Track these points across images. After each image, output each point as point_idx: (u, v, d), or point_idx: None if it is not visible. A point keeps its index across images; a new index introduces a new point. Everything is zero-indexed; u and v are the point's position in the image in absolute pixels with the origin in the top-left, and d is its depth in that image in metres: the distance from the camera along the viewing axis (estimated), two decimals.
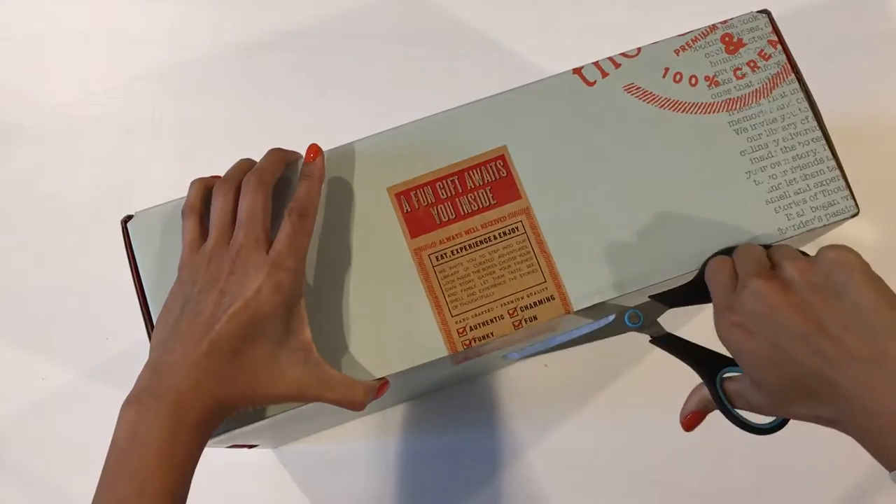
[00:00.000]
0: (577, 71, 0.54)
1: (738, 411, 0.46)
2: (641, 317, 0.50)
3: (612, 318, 0.50)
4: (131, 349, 0.78)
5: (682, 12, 0.82)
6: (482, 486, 0.75)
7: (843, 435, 0.42)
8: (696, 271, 0.49)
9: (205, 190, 0.51)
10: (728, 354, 0.46)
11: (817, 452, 0.71)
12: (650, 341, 0.50)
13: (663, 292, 0.50)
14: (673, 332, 0.49)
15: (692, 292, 0.49)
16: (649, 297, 0.49)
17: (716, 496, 0.74)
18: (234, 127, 0.83)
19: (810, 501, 0.73)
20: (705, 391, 0.48)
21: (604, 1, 0.86)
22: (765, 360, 0.42)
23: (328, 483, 0.76)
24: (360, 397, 0.48)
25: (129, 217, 0.53)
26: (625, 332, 0.50)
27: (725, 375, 0.47)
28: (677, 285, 0.50)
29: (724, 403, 0.46)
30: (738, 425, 0.47)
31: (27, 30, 0.86)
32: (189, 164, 0.78)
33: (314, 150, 0.51)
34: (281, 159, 0.51)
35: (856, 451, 0.42)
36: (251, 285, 0.45)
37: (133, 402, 0.44)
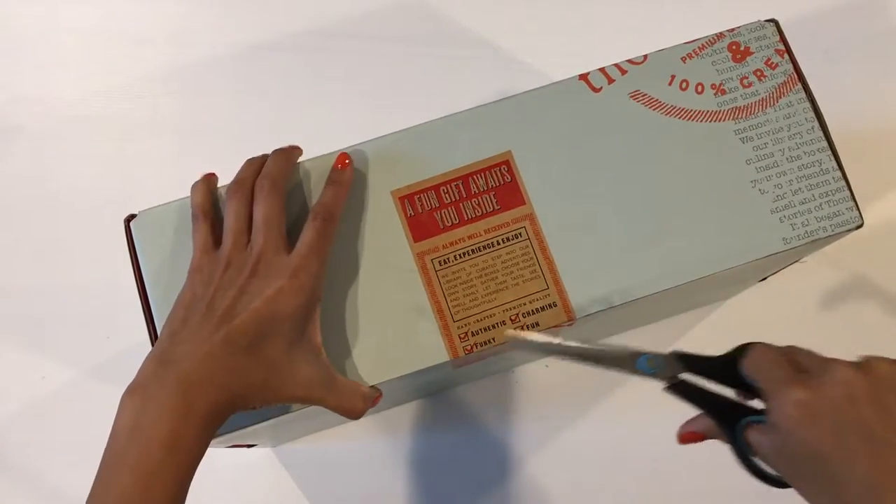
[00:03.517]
0: (584, 77, 0.54)
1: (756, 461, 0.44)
2: (658, 367, 0.47)
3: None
4: (131, 349, 0.77)
5: (689, 18, 0.83)
6: (482, 486, 0.75)
7: None
8: (729, 351, 0.46)
9: (210, 192, 0.51)
10: (744, 403, 0.45)
11: None
12: (664, 390, 0.47)
13: (692, 356, 0.47)
14: (688, 380, 0.47)
15: (720, 371, 0.46)
16: (673, 352, 0.47)
17: (717, 496, 0.74)
18: (235, 127, 0.83)
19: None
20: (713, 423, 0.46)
21: (610, 4, 0.86)
22: (816, 450, 0.40)
23: (328, 483, 0.75)
24: (360, 405, 0.48)
25: (133, 216, 0.53)
26: (632, 373, 0.48)
27: (749, 422, 0.44)
28: (710, 355, 0.47)
29: (744, 451, 0.44)
30: (755, 474, 0.45)
31: (27, 30, 0.86)
32: (190, 164, 0.78)
33: (345, 158, 0.52)
34: (289, 159, 0.51)
35: None
36: (274, 285, 0.45)
37: (136, 391, 0.42)
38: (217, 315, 0.45)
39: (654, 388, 0.49)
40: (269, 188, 0.48)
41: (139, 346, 0.75)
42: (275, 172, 0.49)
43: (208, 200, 0.50)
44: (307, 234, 0.47)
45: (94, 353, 0.79)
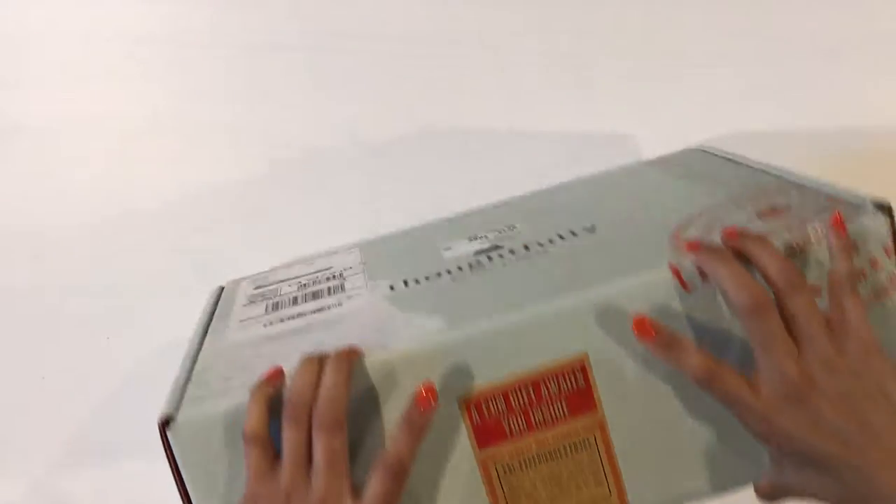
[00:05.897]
0: (675, 270, 0.48)
1: None
2: None
3: None
4: (131, 349, 0.78)
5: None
6: None
7: None
8: None
9: (266, 409, 0.46)
10: None
11: None
12: None
13: None
14: None
15: None
16: None
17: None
18: (235, 127, 0.79)
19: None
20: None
21: (611, 4, 0.80)
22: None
23: None
24: None
25: (168, 420, 0.47)
26: None
27: None
28: None
29: None
30: None
31: (27, 30, 0.78)
32: (189, 165, 0.77)
33: (429, 399, 0.46)
34: (347, 377, 0.46)
35: None
36: None
37: None
38: None
39: None
40: (330, 423, 0.44)
41: (139, 346, 0.76)
42: (334, 400, 0.44)
43: (261, 423, 0.45)
44: (376, 488, 0.44)
45: (94, 353, 0.78)
